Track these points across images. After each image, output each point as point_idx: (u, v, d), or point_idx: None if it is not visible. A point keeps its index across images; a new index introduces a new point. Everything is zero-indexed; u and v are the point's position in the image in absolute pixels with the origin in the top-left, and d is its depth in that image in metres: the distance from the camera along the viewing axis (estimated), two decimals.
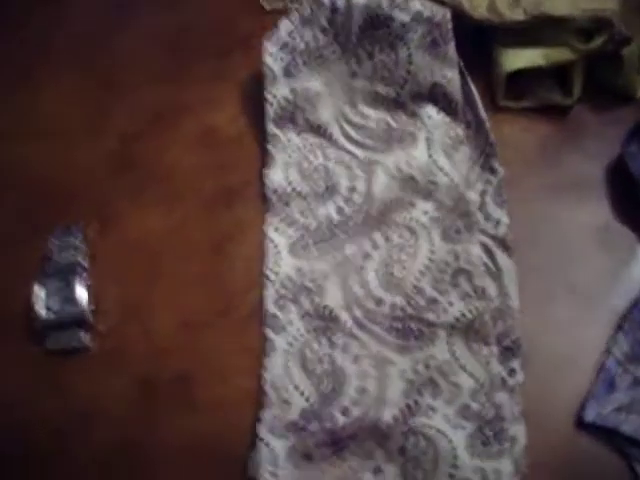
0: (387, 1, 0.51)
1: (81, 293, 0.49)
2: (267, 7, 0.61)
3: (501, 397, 0.44)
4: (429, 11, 0.51)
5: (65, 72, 0.61)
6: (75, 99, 0.59)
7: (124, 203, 0.53)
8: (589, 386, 0.44)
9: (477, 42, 0.54)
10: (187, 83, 0.58)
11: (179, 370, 0.47)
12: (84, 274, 0.50)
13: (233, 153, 0.55)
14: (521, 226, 0.49)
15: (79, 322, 0.49)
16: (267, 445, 0.43)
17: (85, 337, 0.49)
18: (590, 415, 0.43)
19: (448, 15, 0.51)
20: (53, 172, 0.56)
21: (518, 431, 0.43)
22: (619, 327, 0.46)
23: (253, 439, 0.44)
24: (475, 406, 0.44)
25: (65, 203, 0.54)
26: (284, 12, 0.58)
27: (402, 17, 0.50)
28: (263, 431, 0.43)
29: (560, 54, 0.51)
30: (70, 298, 0.49)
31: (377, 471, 0.43)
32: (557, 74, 0.53)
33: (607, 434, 0.43)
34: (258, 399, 0.45)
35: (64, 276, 0.49)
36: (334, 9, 0.52)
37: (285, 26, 0.53)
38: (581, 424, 0.43)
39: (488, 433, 0.43)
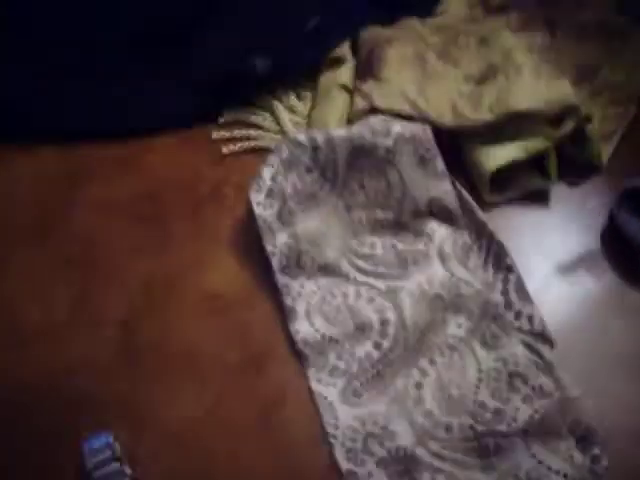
0: (368, 131, 0.52)
1: None
2: (225, 151, 0.59)
3: None
4: (409, 131, 0.52)
5: (30, 255, 0.56)
6: (54, 289, 0.55)
7: (148, 395, 0.50)
8: None
9: (448, 145, 0.56)
10: (170, 249, 0.56)
11: None
12: None
13: (245, 313, 0.53)
14: (547, 312, 0.51)
15: None
16: None
17: None
18: None
19: (429, 131, 0.53)
20: (57, 379, 0.51)
21: None
22: None
23: None
24: None
25: (84, 409, 0.49)
26: (244, 153, 0.59)
27: (386, 142, 0.52)
28: None
29: (536, 144, 0.54)
30: None
31: None
32: (532, 160, 0.55)
33: None
34: None
35: None
36: (315, 147, 0.52)
37: (267, 172, 0.53)
38: None
39: None
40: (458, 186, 0.55)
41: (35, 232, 0.58)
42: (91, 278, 0.56)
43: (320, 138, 0.52)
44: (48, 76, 0.60)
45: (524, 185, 0.56)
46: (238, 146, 0.60)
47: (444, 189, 0.53)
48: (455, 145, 0.57)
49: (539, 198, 0.57)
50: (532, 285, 0.52)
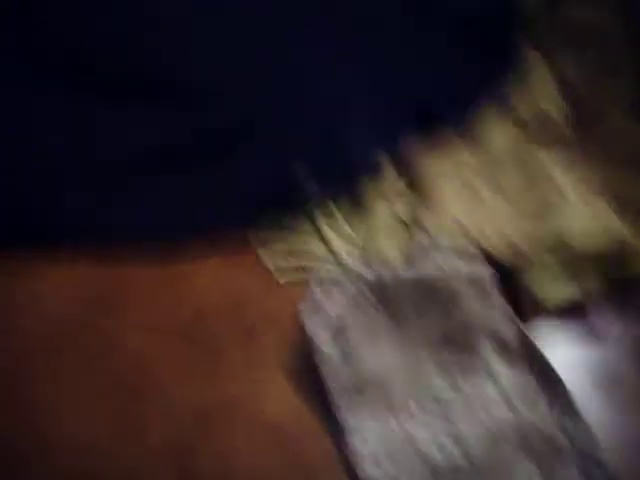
0: (434, 269, 0.53)
1: None
2: (281, 280, 0.59)
3: None
4: (475, 272, 0.53)
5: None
6: (98, 413, 0.53)
7: None
8: None
9: None
10: (221, 374, 0.54)
11: None
12: None
13: (303, 447, 0.51)
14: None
15: None
16: None
17: None
18: None
19: (491, 275, 0.54)
20: None
21: None
22: None
23: None
24: None
25: None
26: (299, 284, 0.58)
27: (453, 284, 0.52)
28: None
29: (591, 283, 0.55)
30: None
31: None
32: None
33: None
34: None
35: None
36: (382, 285, 0.52)
37: (332, 308, 0.52)
38: None
39: None
40: (516, 320, 0.55)
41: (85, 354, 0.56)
42: (138, 405, 0.53)
43: (387, 276, 0.52)
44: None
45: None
46: (295, 276, 0.58)
47: (505, 325, 0.53)
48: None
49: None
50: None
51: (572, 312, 0.57)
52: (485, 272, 0.54)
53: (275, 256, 0.59)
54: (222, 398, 0.53)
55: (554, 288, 0.55)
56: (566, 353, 0.56)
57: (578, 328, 0.57)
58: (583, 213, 0.57)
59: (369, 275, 0.53)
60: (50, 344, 0.55)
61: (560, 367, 0.53)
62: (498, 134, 0.63)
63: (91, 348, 0.56)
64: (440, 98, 0.64)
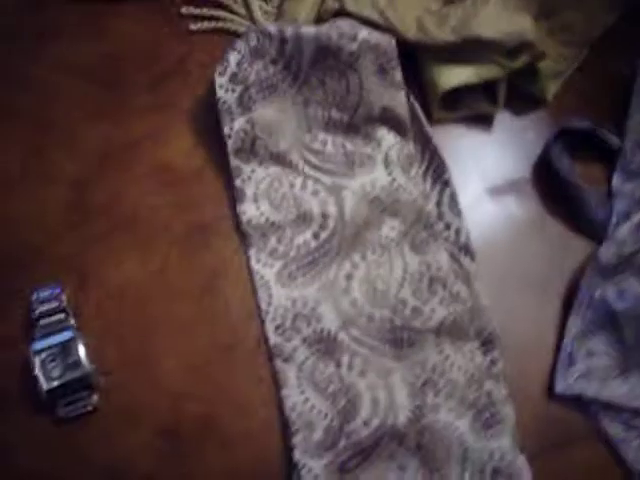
0: (335, 32, 0.53)
1: (80, 353, 0.48)
2: (193, 28, 0.60)
3: (489, 384, 0.51)
4: (375, 39, 0.54)
5: None
6: (6, 144, 0.56)
7: (95, 255, 0.52)
8: (553, 363, 0.53)
9: (406, 59, 0.58)
10: (128, 117, 0.57)
11: (198, 412, 0.49)
12: (76, 333, 0.49)
13: (196, 189, 0.55)
14: (473, 227, 0.55)
15: (85, 385, 0.48)
16: (305, 467, 0.47)
17: (94, 398, 0.48)
18: (559, 387, 0.52)
19: (393, 43, 0.55)
20: (4, 230, 0.53)
21: (508, 411, 0.50)
22: (569, 308, 0.54)
23: (287, 465, 0.48)
24: (471, 396, 0.50)
25: (33, 263, 0.52)
26: (211, 32, 0.60)
27: (350, 47, 0.53)
28: (298, 455, 0.48)
29: (489, 71, 0.57)
30: (70, 362, 0.48)
31: (401, 468, 0.49)
32: (483, 84, 0.58)
33: (575, 399, 0.51)
34: (281, 426, 0.49)
35: (56, 339, 0.48)
36: (283, 40, 0.54)
37: (234, 57, 0.54)
38: (552, 396, 0.52)
39: (485, 417, 0.50)
40: (412, 99, 0.57)
41: None
42: (46, 136, 0.56)
43: (289, 32, 0.53)
44: None
45: (472, 107, 0.59)
46: (206, 25, 0.60)
47: (398, 99, 0.56)
48: (413, 61, 0.59)
49: (483, 122, 0.60)
50: (464, 201, 0.56)
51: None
52: (387, 42, 0.55)
53: (192, 4, 0.61)
54: (124, 140, 0.57)
55: (452, 71, 0.56)
56: (464, 158, 0.59)
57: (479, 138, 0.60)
58: (499, 14, 0.58)
59: (273, 30, 0.54)
60: None
61: (456, 168, 0.57)
62: None
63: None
64: None
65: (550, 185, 0.58)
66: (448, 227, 0.55)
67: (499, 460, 0.48)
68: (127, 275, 0.52)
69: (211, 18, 0.61)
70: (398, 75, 0.56)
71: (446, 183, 0.56)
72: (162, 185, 0.55)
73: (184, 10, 0.61)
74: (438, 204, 0.56)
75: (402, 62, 0.57)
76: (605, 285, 0.54)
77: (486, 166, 0.59)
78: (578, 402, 0.52)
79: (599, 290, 0.54)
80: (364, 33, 0.54)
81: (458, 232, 0.55)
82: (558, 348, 0.53)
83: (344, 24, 0.55)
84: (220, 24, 0.61)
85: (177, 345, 0.51)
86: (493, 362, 0.51)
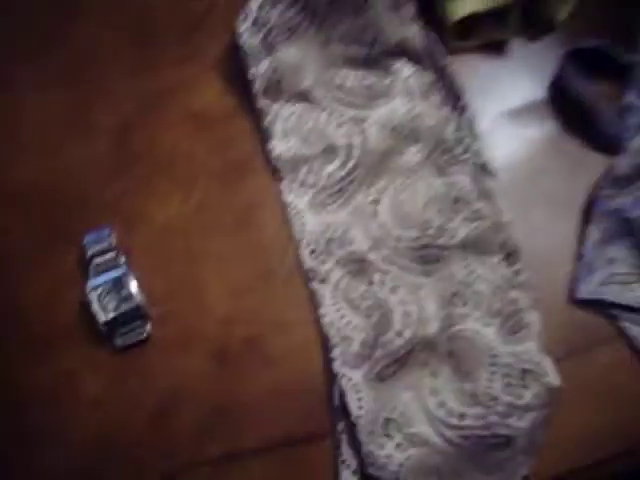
0: None
1: (132, 287, 0.52)
2: None
3: (514, 294, 0.54)
4: None
5: (23, 70, 0.61)
6: (47, 99, 0.60)
7: (139, 197, 0.57)
8: (574, 271, 0.56)
9: None
10: (161, 69, 0.61)
11: (244, 334, 0.53)
12: (127, 269, 0.53)
13: (228, 130, 0.59)
14: (492, 148, 0.58)
15: (139, 315, 0.53)
16: (344, 377, 0.51)
17: (148, 327, 0.53)
18: (581, 293, 0.54)
19: None
20: (55, 182, 0.57)
21: (533, 317, 0.53)
22: (587, 219, 0.57)
23: (328, 379, 0.52)
24: (496, 305, 0.53)
25: (83, 209, 0.56)
26: None
27: None
28: (338, 366, 0.52)
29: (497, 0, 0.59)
30: (123, 295, 0.52)
31: (434, 374, 0.52)
32: (495, 13, 0.60)
33: (597, 304, 0.54)
34: (321, 343, 0.53)
35: (109, 276, 0.53)
36: None
37: (255, 3, 0.58)
38: (575, 301, 0.55)
39: (511, 323, 0.53)
40: (426, 31, 0.60)
41: (35, 44, 0.62)
42: (85, 92, 0.60)
43: None
44: None
45: (486, 35, 0.61)
46: None
47: (413, 31, 0.59)
48: None
49: (498, 49, 0.62)
50: (482, 125, 0.59)
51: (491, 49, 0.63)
52: None
53: None
54: (157, 90, 0.60)
55: (460, 1, 0.59)
56: (481, 83, 0.61)
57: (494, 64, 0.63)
58: None
59: None
60: None
61: (473, 94, 0.60)
62: None
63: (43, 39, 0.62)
64: None
65: (565, 104, 0.60)
66: (467, 150, 0.58)
67: (526, 362, 0.52)
68: (169, 214, 0.56)
69: None
70: (411, 8, 0.59)
71: (463, 108, 0.59)
72: (196, 129, 0.59)
73: None
74: (457, 128, 0.58)
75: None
76: (621, 195, 0.57)
77: (502, 90, 0.61)
78: (600, 307, 0.55)
79: (615, 200, 0.56)
80: None
81: (477, 154, 0.57)
82: (579, 258, 0.56)
83: None
84: None
85: (220, 274, 0.55)
86: (517, 273, 0.54)
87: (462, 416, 0.51)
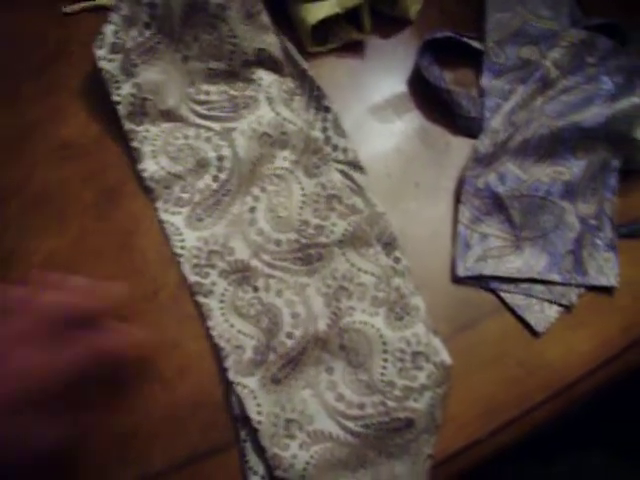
0: None
1: None
2: (67, 10, 0.64)
3: (397, 281, 0.56)
4: None
5: None
6: None
7: (14, 236, 0.55)
8: (452, 251, 0.58)
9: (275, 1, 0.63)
10: (21, 103, 0.60)
11: (136, 358, 0.52)
12: None
13: (99, 157, 0.58)
14: (361, 145, 0.60)
15: None
16: (240, 384, 0.51)
17: None
18: (460, 270, 0.57)
19: None
20: None
21: (418, 301, 0.55)
22: (458, 201, 0.59)
23: (225, 388, 0.52)
24: (381, 295, 0.55)
25: None
26: (85, 12, 0.64)
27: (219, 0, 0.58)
28: (232, 375, 0.52)
29: (351, 0, 0.61)
30: None
31: (329, 370, 0.53)
32: (350, 15, 0.63)
33: (478, 280, 0.57)
34: (215, 355, 0.53)
35: None
36: (152, 4, 0.57)
37: (110, 29, 0.58)
38: (456, 280, 0.57)
39: (397, 310, 0.55)
40: (282, 38, 0.62)
41: None
42: None
43: None
44: None
45: (342, 37, 0.64)
46: (78, 6, 0.64)
47: (269, 41, 0.60)
48: (282, 2, 0.64)
49: (355, 49, 0.65)
50: (347, 123, 0.60)
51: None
52: None
53: None
54: (22, 126, 0.60)
55: (316, 5, 0.61)
56: (342, 84, 0.64)
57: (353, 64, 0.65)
58: None
59: None
60: None
61: (336, 94, 0.62)
62: None
63: None
64: None
65: (426, 95, 0.63)
66: (335, 148, 0.60)
67: (416, 345, 0.53)
68: (49, 246, 0.55)
69: None
70: (265, 17, 0.60)
71: (327, 109, 0.61)
72: (66, 160, 0.59)
73: None
74: (323, 129, 0.60)
75: (272, 4, 0.61)
76: (486, 173, 0.59)
77: (364, 88, 0.63)
78: (480, 282, 0.57)
79: (482, 178, 0.59)
80: None
81: (345, 151, 0.59)
82: (454, 238, 0.58)
83: None
84: (91, 2, 0.64)
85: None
86: (396, 261, 0.56)
87: (361, 406, 0.52)
